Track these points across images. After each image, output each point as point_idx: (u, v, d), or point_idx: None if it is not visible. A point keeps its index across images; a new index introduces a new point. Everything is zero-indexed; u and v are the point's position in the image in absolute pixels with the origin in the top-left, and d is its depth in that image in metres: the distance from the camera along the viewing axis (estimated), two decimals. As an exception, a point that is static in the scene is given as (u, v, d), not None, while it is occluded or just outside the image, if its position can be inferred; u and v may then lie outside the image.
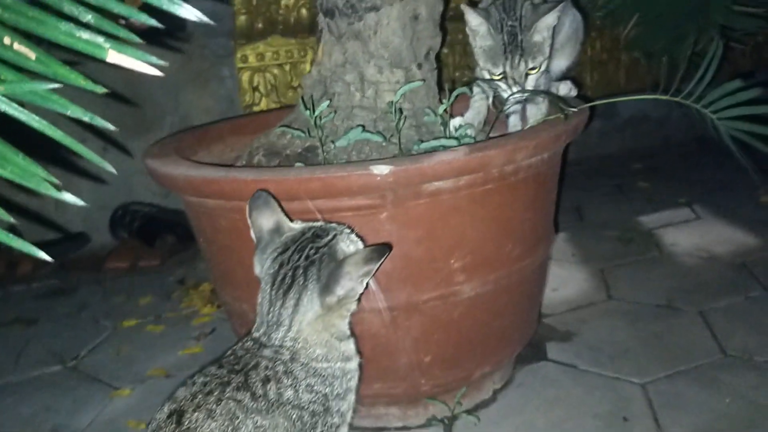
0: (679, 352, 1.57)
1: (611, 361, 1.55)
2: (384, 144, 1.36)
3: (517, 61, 1.30)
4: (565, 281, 1.99)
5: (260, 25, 2.50)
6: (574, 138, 1.38)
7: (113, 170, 0.65)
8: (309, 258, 0.96)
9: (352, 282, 0.95)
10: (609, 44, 3.08)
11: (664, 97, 1.22)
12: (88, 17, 0.51)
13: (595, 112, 3.07)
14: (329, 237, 0.99)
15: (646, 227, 2.34)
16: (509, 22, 1.31)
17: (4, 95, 0.51)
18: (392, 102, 1.34)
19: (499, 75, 1.35)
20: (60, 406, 1.58)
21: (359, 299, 1.00)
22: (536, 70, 1.32)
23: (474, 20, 1.34)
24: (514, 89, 1.34)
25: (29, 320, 2.05)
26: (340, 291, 0.94)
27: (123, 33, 0.52)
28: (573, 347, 1.63)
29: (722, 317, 1.70)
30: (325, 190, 1.15)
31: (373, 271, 0.95)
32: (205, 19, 0.58)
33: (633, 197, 2.67)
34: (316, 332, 0.96)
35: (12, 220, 0.58)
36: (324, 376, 0.96)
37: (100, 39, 0.52)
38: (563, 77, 1.62)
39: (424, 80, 1.43)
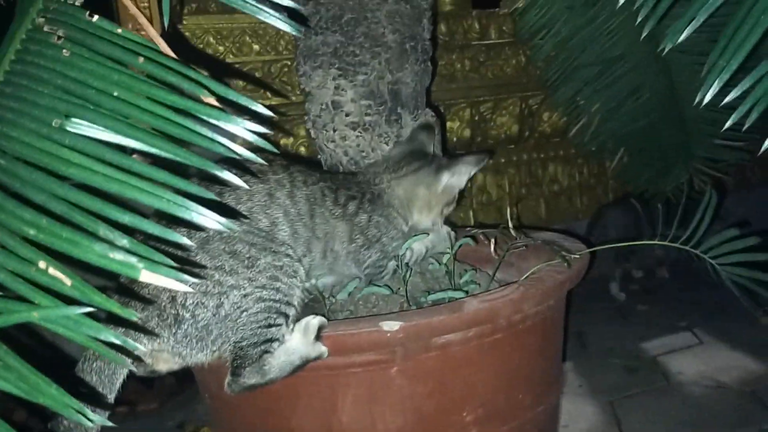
0: (700, 495, 1.52)
1: (631, 508, 1.50)
2: (390, 294, 1.37)
3: None
4: (575, 416, 1.94)
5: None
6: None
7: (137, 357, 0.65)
8: None
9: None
10: (596, 169, 3.18)
11: (666, 243, 1.25)
12: (124, 242, 0.53)
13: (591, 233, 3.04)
14: None
15: (651, 354, 2.32)
16: None
17: (39, 321, 0.52)
18: (398, 255, 1.36)
19: None
20: None
21: None
22: None
23: None
24: None
25: (20, 474, 1.96)
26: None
27: (157, 257, 0.54)
28: (590, 492, 1.58)
29: (739, 454, 1.66)
30: (334, 348, 1.14)
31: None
32: (221, 226, 0.60)
33: (634, 321, 2.67)
34: None
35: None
36: None
37: (133, 259, 0.54)
38: None
39: (428, 233, 1.46)
